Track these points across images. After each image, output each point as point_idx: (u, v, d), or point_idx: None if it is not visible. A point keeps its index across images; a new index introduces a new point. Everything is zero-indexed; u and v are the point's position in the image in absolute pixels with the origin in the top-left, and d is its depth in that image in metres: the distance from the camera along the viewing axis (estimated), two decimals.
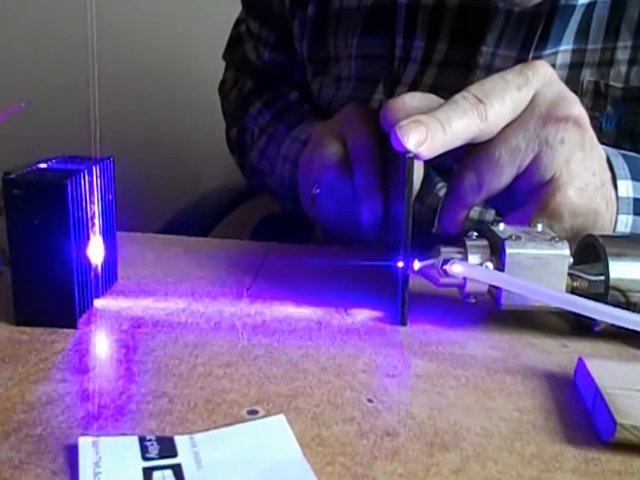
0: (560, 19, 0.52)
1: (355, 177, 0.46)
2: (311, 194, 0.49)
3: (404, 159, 0.37)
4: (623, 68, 0.53)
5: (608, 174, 0.43)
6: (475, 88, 0.39)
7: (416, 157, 0.37)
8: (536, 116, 0.40)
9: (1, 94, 1.17)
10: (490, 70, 0.54)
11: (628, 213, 0.43)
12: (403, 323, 0.39)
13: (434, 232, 0.46)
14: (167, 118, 1.35)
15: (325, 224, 0.52)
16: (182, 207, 0.86)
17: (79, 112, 1.38)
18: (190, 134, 1.34)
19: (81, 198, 0.36)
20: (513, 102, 0.40)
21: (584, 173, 0.41)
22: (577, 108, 0.41)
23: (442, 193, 0.57)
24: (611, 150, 0.44)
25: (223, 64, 0.82)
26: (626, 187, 0.43)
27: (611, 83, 0.53)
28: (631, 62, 0.52)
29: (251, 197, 0.91)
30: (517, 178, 0.41)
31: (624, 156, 0.44)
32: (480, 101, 0.39)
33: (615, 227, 0.43)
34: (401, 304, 0.38)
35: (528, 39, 0.53)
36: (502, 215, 0.45)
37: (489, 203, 0.47)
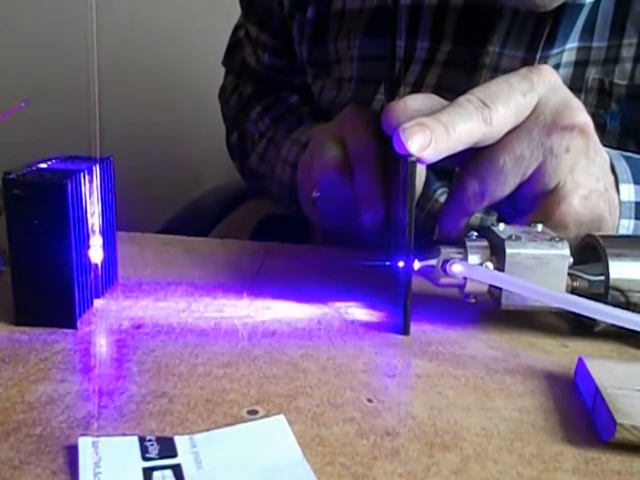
0: (567, 18, 0.52)
1: (356, 180, 0.46)
2: (311, 197, 0.48)
3: (406, 162, 0.36)
4: (628, 65, 0.52)
5: (611, 178, 0.42)
6: (479, 91, 0.39)
7: (419, 161, 0.36)
8: (541, 124, 0.39)
9: (1, 94, 1.17)
10: (497, 70, 0.54)
11: (630, 217, 0.43)
12: (406, 333, 0.38)
13: (435, 239, 0.46)
14: (167, 118, 1.35)
15: (325, 227, 0.51)
16: (182, 207, 0.86)
17: (79, 112, 1.38)
18: (190, 134, 1.34)
19: (81, 198, 0.36)
20: (518, 107, 0.39)
21: (588, 180, 0.40)
22: (582, 116, 0.40)
23: (442, 198, 0.57)
24: (614, 153, 0.44)
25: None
26: (628, 191, 0.43)
27: (616, 81, 0.53)
28: (636, 59, 0.52)
29: (251, 197, 0.91)
30: (521, 186, 0.40)
31: (627, 159, 0.44)
32: (485, 105, 0.38)
33: (617, 232, 0.43)
34: (403, 314, 0.38)
35: (535, 39, 0.53)
36: (504, 221, 0.44)
37: (491, 208, 0.46)
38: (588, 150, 0.40)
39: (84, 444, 0.26)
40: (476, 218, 0.55)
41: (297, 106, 0.73)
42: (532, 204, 0.41)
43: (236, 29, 0.79)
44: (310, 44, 0.66)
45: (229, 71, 0.80)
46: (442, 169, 0.49)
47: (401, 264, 0.38)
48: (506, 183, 0.40)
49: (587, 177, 0.40)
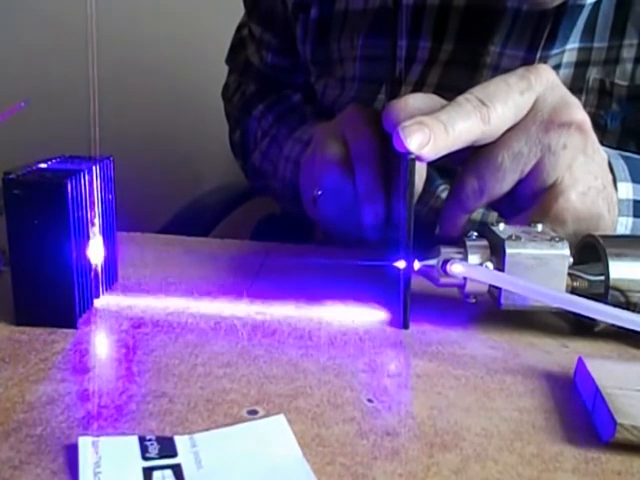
0: (568, 19, 0.52)
1: (357, 178, 0.46)
2: (313, 195, 0.49)
3: (405, 160, 0.36)
4: (629, 66, 0.53)
5: (609, 177, 0.43)
6: (478, 91, 0.39)
7: (418, 159, 0.37)
8: (538, 122, 0.40)
9: (1, 94, 1.17)
10: (497, 70, 0.54)
11: (628, 215, 0.43)
12: (405, 326, 0.38)
13: (436, 233, 0.46)
14: (167, 118, 1.35)
15: (326, 225, 0.51)
16: (182, 207, 0.86)
17: (79, 112, 1.38)
18: (190, 134, 1.34)
19: (81, 198, 0.36)
20: (516, 106, 0.39)
21: (586, 177, 0.41)
22: (580, 113, 0.41)
23: (443, 194, 0.57)
24: (612, 152, 0.44)
25: (224, 64, 0.82)
26: (626, 189, 0.43)
27: (616, 81, 0.53)
28: (637, 60, 0.52)
29: (251, 197, 0.91)
30: (519, 183, 0.41)
31: (625, 158, 0.44)
32: (483, 104, 0.38)
33: (615, 230, 0.43)
34: (403, 308, 0.38)
35: (536, 39, 0.53)
36: (504, 218, 0.45)
37: (491, 206, 0.47)
38: (586, 147, 0.41)
39: (84, 444, 0.26)
40: (477, 213, 0.55)
41: (300, 105, 0.73)
42: (531, 201, 0.41)
43: (239, 27, 0.79)
44: (313, 44, 0.66)
45: (232, 69, 0.81)
46: (444, 167, 0.49)
47: (401, 265, 0.38)
48: (504, 180, 0.40)
49: (585, 174, 0.40)
